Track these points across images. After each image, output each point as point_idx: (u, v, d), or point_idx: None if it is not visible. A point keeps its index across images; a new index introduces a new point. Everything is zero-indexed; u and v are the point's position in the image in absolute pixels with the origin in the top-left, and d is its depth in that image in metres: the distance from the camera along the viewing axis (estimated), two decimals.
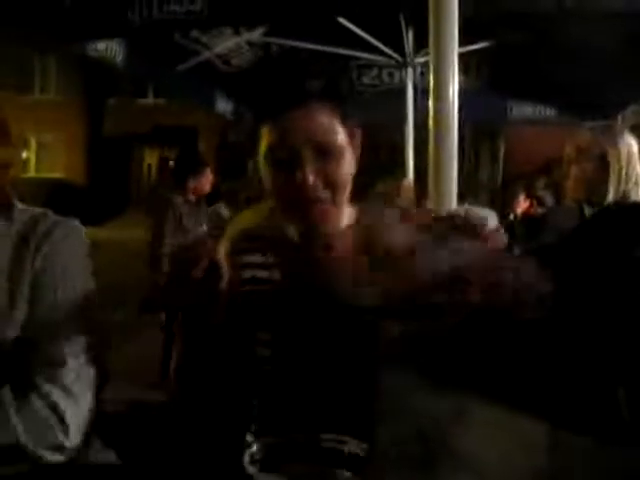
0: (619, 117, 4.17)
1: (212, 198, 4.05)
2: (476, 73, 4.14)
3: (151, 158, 20.21)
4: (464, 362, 0.65)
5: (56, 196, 13.48)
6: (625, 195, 1.74)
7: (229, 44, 3.60)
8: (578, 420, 0.56)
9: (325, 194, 0.93)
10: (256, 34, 3.47)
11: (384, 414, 0.66)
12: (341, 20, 3.25)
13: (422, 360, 0.67)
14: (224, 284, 0.85)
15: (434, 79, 1.78)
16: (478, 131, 12.06)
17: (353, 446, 0.93)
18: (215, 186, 4.02)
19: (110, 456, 0.98)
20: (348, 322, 0.96)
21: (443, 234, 0.95)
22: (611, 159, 1.74)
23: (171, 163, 17.23)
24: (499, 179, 12.88)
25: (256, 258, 1.02)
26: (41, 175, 18.01)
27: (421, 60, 3.95)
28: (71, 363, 0.89)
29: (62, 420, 0.87)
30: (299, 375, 0.96)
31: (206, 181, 3.72)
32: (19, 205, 0.99)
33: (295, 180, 0.91)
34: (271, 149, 0.93)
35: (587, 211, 1.80)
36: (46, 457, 0.85)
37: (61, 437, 0.86)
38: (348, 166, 0.96)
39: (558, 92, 4.20)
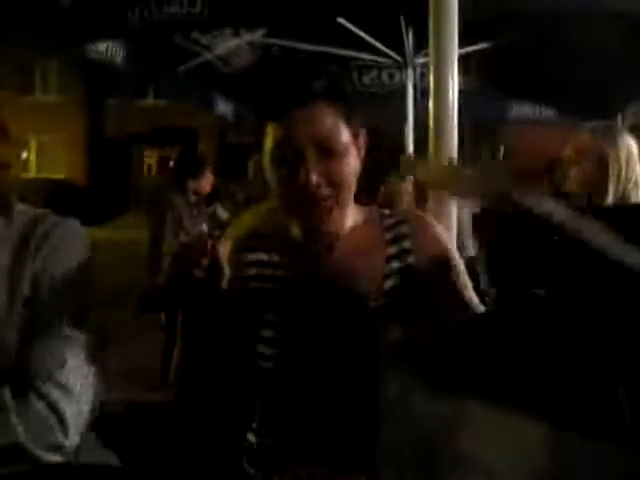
0: (619, 117, 4.17)
1: (212, 199, 4.05)
2: (476, 73, 4.14)
3: (151, 159, 20.22)
4: (465, 363, 0.65)
5: (56, 196, 13.47)
6: (625, 196, 1.74)
7: (229, 45, 3.60)
8: (579, 420, 0.56)
9: (328, 193, 0.93)
10: (256, 35, 3.47)
11: (386, 415, 0.66)
12: (341, 21, 3.25)
13: (423, 361, 0.67)
14: (225, 284, 0.85)
15: (434, 80, 1.78)
16: (478, 131, 12.05)
17: (354, 449, 0.93)
18: (215, 187, 4.02)
19: (110, 456, 0.98)
20: (350, 322, 0.96)
21: None
22: (610, 160, 1.74)
23: (171, 164, 17.25)
24: None
25: (260, 256, 1.03)
26: (41, 175, 18.02)
27: (421, 61, 3.95)
28: (71, 363, 0.89)
29: (62, 420, 0.87)
30: (301, 375, 0.96)
31: (206, 182, 3.72)
32: (19, 205, 0.99)
33: (299, 179, 0.91)
34: (275, 148, 0.93)
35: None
36: (45, 457, 0.85)
37: (60, 437, 0.86)
38: (352, 166, 0.96)
39: (558, 92, 4.20)
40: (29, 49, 15.81)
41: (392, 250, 1.01)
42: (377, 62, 4.14)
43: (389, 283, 0.98)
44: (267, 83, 0.98)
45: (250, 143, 1.09)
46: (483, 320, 0.85)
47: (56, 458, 0.86)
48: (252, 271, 1.02)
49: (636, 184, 1.75)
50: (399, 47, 3.93)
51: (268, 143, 0.95)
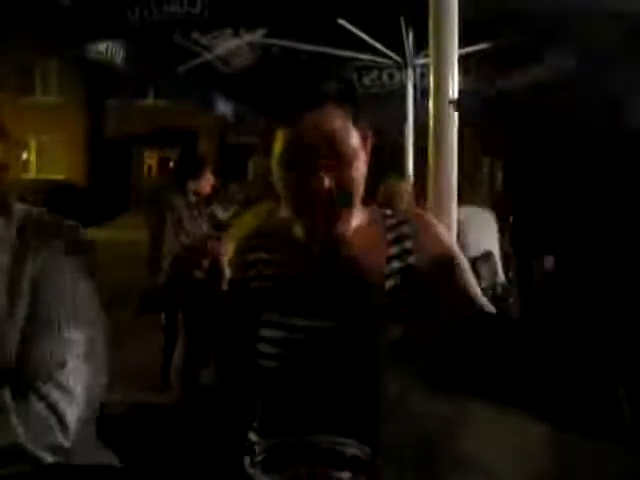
0: None
1: (212, 199, 4.05)
2: (476, 73, 4.14)
3: (151, 159, 20.22)
4: (465, 363, 0.65)
5: (56, 197, 13.49)
6: None
7: (229, 45, 3.59)
8: (579, 420, 0.56)
9: (339, 198, 0.93)
10: (256, 35, 3.47)
11: (386, 415, 0.66)
12: (341, 21, 3.25)
13: (423, 361, 0.67)
14: (225, 285, 0.86)
15: (434, 80, 1.78)
16: (478, 131, 12.04)
17: (354, 448, 0.93)
18: (215, 187, 4.02)
19: (110, 456, 0.98)
20: (351, 322, 0.96)
21: None
22: None
23: (171, 164, 17.24)
24: (499, 179, 12.87)
25: (262, 255, 1.03)
26: (42, 176, 18.02)
27: (421, 61, 3.95)
28: (71, 363, 0.89)
29: (61, 420, 0.86)
30: (302, 374, 0.96)
31: (206, 182, 3.72)
32: (19, 206, 0.99)
33: (310, 183, 0.91)
34: (285, 151, 0.93)
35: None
36: (45, 457, 0.85)
37: (60, 437, 0.86)
38: (361, 170, 0.96)
39: None
40: (29, 49, 15.84)
41: (393, 250, 1.01)
42: (377, 63, 4.13)
43: (390, 283, 0.98)
44: (275, 85, 0.97)
45: (250, 143, 1.09)
46: (483, 320, 0.86)
47: (56, 458, 0.86)
48: (254, 270, 1.02)
49: None
50: (399, 48, 3.93)
51: (277, 146, 0.94)
